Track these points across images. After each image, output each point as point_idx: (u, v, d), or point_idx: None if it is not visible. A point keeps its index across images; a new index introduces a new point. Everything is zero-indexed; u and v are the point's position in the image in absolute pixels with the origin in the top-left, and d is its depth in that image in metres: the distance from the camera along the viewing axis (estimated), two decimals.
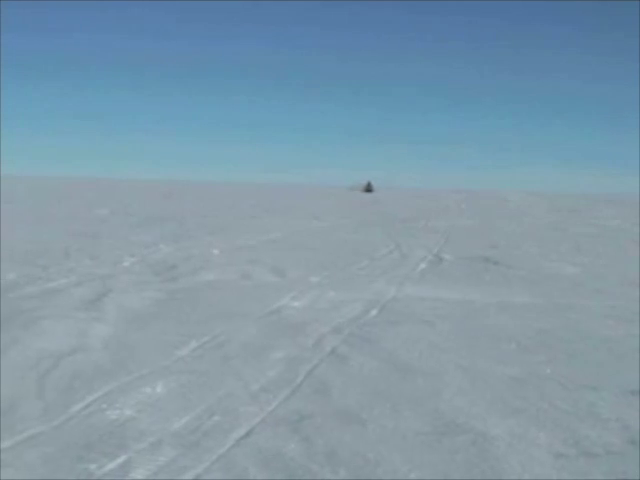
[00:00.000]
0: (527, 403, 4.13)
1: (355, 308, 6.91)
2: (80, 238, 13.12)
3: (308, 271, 9.32)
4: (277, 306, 6.93)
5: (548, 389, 4.40)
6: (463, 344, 5.54)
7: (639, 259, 11.55)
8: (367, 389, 4.33)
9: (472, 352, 5.29)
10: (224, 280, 8.56)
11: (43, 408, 3.87)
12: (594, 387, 4.46)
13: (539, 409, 4.03)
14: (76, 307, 6.57)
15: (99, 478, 3.07)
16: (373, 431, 3.65)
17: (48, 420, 3.70)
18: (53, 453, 3.29)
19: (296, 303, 7.14)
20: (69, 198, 34.02)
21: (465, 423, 3.78)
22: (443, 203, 40.37)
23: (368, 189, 60.87)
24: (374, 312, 6.76)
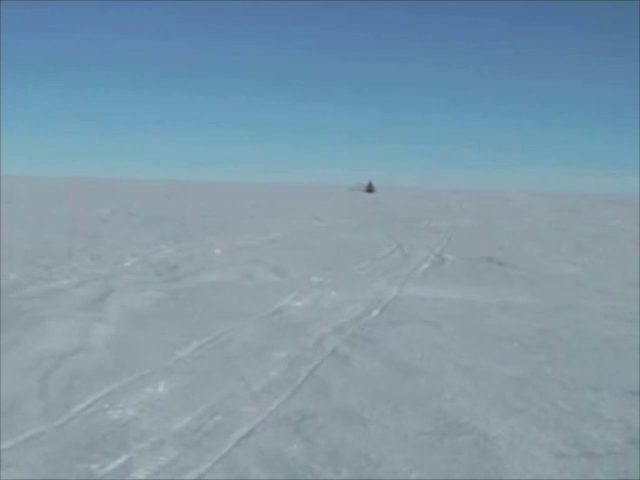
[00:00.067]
0: (529, 403, 4.12)
1: (357, 308, 6.91)
2: (81, 238, 13.13)
3: (309, 271, 9.32)
4: (278, 306, 6.93)
5: (549, 389, 4.40)
6: (465, 344, 5.54)
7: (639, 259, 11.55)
8: (369, 389, 4.33)
9: (474, 352, 5.29)
10: (225, 280, 8.56)
11: (44, 408, 3.88)
12: (595, 387, 4.45)
13: (540, 409, 4.03)
14: (78, 307, 6.58)
15: (100, 478, 3.07)
16: (375, 431, 3.65)
17: (49, 420, 3.70)
18: (54, 453, 3.29)
19: (297, 303, 7.14)
20: (70, 198, 34.04)
21: (467, 423, 3.77)
22: (444, 203, 40.36)
23: (369, 189, 60.71)
24: (376, 312, 6.75)
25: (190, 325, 5.96)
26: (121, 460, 3.24)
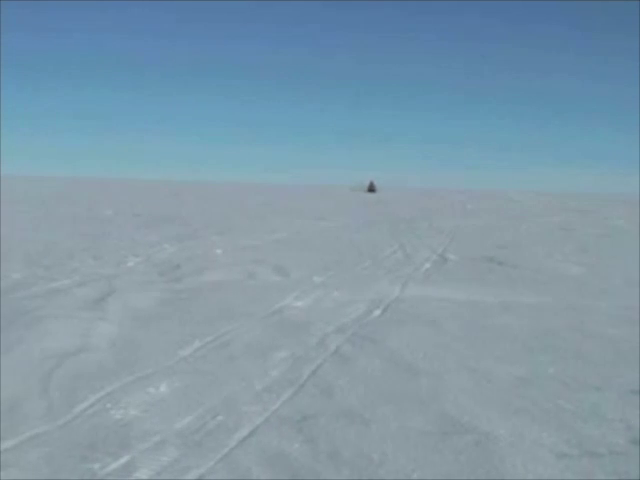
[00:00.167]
0: (531, 403, 4.12)
1: (359, 308, 6.91)
2: (84, 238, 13.14)
3: (312, 271, 9.32)
4: (281, 306, 6.94)
5: (552, 389, 4.39)
6: (467, 344, 5.53)
7: None
8: (371, 389, 4.33)
9: (476, 352, 5.28)
10: (228, 280, 8.56)
11: (47, 408, 3.88)
12: (598, 387, 4.45)
13: (543, 409, 4.02)
14: (80, 307, 6.59)
15: (102, 478, 3.07)
16: (377, 431, 3.65)
17: (52, 420, 3.70)
18: (56, 453, 3.30)
19: (300, 303, 7.15)
20: (71, 198, 34.07)
21: (469, 423, 3.77)
22: (447, 203, 40.34)
23: (371, 189, 60.48)
24: (378, 312, 6.75)
25: (192, 325, 5.96)
26: (123, 460, 3.24)
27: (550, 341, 5.69)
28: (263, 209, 27.23)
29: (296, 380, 4.48)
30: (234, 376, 4.54)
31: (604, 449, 3.47)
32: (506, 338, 5.76)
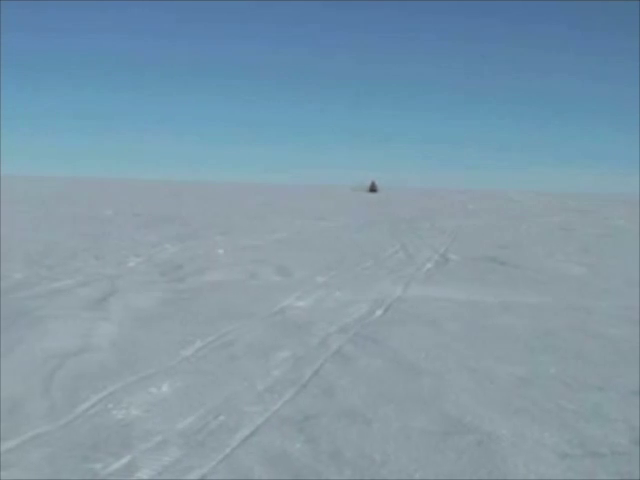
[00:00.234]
0: (532, 403, 4.12)
1: (361, 308, 6.90)
2: (85, 238, 13.15)
3: (314, 271, 9.32)
4: (283, 306, 6.94)
5: (554, 389, 4.39)
6: (469, 344, 5.53)
7: None
8: (373, 389, 4.33)
9: (478, 352, 5.28)
10: (230, 280, 8.56)
11: (48, 408, 3.88)
12: (600, 387, 4.44)
13: (544, 409, 4.02)
14: (82, 307, 6.59)
15: (104, 478, 3.08)
16: (378, 431, 3.64)
17: (53, 420, 3.70)
18: (58, 453, 3.30)
19: (302, 303, 7.15)
20: (71, 198, 34.11)
21: (471, 423, 3.77)
22: (448, 203, 40.34)
23: (372, 189, 60.37)
24: (380, 312, 6.75)
25: (194, 325, 5.96)
26: (125, 460, 3.24)
27: (552, 341, 5.68)
28: (264, 209, 27.23)
29: (298, 380, 4.48)
30: (236, 376, 4.54)
31: (606, 449, 3.47)
32: (508, 338, 5.75)
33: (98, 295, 7.21)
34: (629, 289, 8.40)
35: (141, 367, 4.66)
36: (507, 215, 26.93)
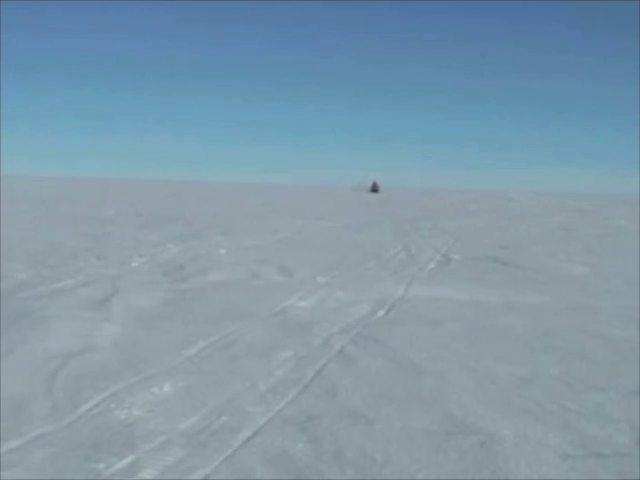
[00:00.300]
0: (535, 404, 4.12)
1: (363, 308, 6.90)
2: (88, 238, 13.16)
3: (316, 271, 9.32)
4: (285, 306, 6.94)
5: (556, 390, 4.39)
6: (471, 344, 5.53)
7: None
8: (375, 389, 4.33)
9: (480, 352, 5.28)
10: (232, 280, 8.57)
11: (51, 408, 3.88)
12: (602, 388, 4.44)
13: (547, 410, 4.02)
14: (84, 307, 6.59)
15: (107, 478, 3.08)
16: (381, 431, 3.65)
17: (56, 420, 3.71)
18: (61, 453, 3.30)
19: (304, 303, 7.15)
20: (71, 198, 34.12)
21: (473, 423, 3.77)
22: (448, 203, 40.32)
23: (374, 189, 60.12)
24: (382, 312, 6.75)
25: (196, 325, 5.97)
26: (128, 460, 3.24)
27: (554, 341, 5.68)
28: (264, 209, 27.23)
29: (300, 380, 4.48)
30: (238, 376, 4.54)
31: (609, 450, 3.47)
32: (510, 338, 5.75)
33: (100, 295, 7.22)
34: (631, 289, 8.40)
35: (143, 367, 4.67)
36: (508, 215, 26.92)
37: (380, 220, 21.67)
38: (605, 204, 42.90)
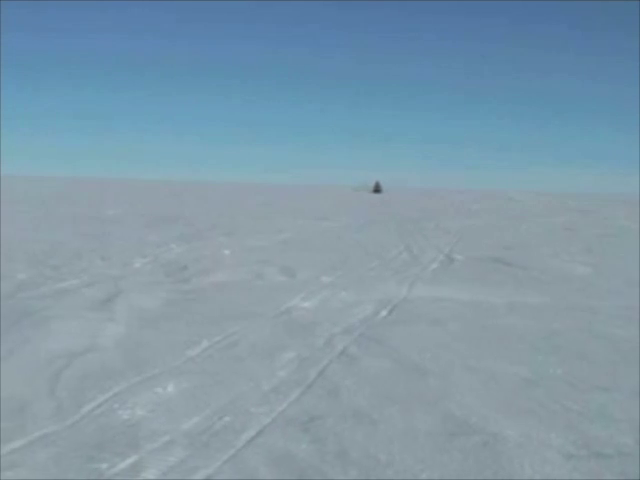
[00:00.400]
0: (538, 404, 4.12)
1: (366, 308, 6.91)
2: (90, 238, 13.17)
3: (319, 271, 9.32)
4: (288, 306, 6.94)
5: (559, 390, 4.39)
6: (474, 345, 5.53)
7: None
8: (378, 389, 4.33)
9: (483, 353, 5.28)
10: (235, 280, 8.57)
11: (55, 408, 3.89)
12: (605, 388, 4.44)
13: (550, 410, 4.02)
14: (87, 307, 6.60)
15: (110, 478, 3.08)
16: (384, 431, 3.65)
17: (60, 420, 3.71)
18: (64, 453, 3.31)
19: (307, 303, 7.15)
20: (72, 198, 34.12)
21: (476, 424, 3.77)
22: (450, 203, 40.30)
23: (377, 189, 59.78)
24: (384, 312, 6.75)
25: (199, 325, 5.97)
26: (131, 460, 3.25)
27: (557, 341, 5.68)
28: (265, 209, 27.23)
29: (303, 381, 4.48)
30: (241, 376, 4.55)
31: (612, 450, 3.47)
32: (513, 338, 5.75)
33: (104, 295, 7.22)
34: (633, 289, 8.39)
35: (147, 367, 4.67)
36: (509, 215, 26.90)
37: (381, 220, 21.66)
38: (605, 204, 42.86)
